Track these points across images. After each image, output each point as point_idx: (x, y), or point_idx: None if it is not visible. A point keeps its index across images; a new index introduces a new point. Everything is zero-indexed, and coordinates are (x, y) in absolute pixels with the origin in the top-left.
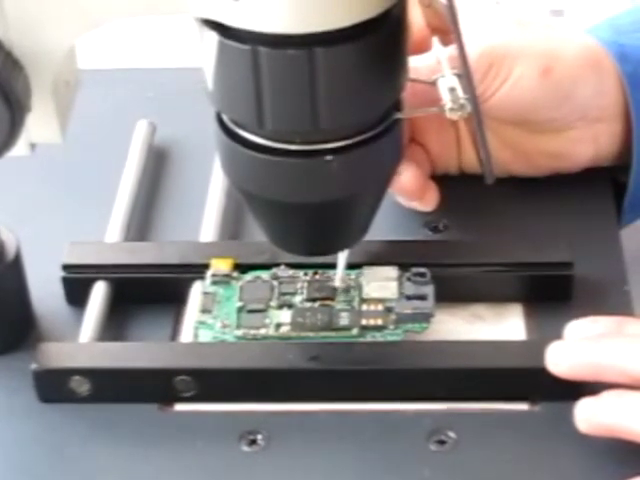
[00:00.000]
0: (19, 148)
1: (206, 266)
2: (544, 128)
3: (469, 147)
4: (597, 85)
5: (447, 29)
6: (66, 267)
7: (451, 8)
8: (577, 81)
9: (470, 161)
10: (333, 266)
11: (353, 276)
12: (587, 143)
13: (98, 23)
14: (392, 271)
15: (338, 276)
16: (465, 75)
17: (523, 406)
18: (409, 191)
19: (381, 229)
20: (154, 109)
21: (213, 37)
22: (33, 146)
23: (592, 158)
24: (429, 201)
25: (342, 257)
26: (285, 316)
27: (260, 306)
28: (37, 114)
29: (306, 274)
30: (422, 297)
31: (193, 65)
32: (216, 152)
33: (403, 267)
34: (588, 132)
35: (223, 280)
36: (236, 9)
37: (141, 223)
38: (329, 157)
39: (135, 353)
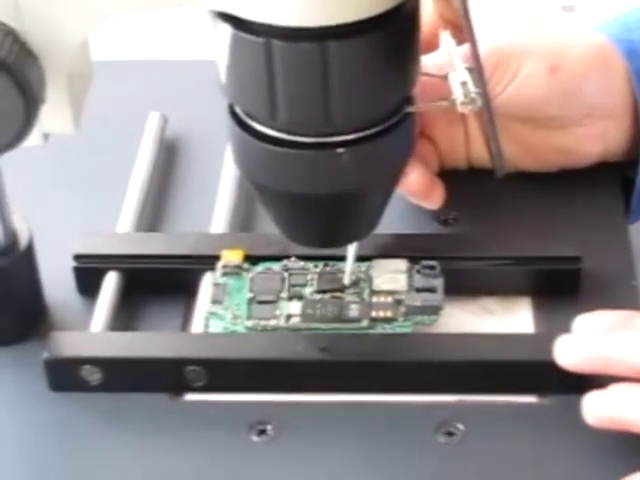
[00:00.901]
0: (33, 138)
1: (217, 257)
2: (552, 125)
3: (478, 142)
4: (605, 82)
5: (459, 23)
6: (78, 257)
7: (464, 2)
8: (585, 78)
9: (479, 156)
10: (343, 258)
11: (363, 268)
12: (595, 139)
13: (112, 15)
14: (402, 264)
15: (347, 271)
16: (476, 69)
17: (531, 399)
18: (415, 191)
19: (391, 222)
20: (166, 101)
21: (227, 30)
22: (46, 136)
23: (600, 154)
24: (435, 200)
25: (351, 252)
26: (295, 307)
27: (270, 297)
28: (51, 105)
29: (316, 266)
30: (431, 290)
31: (205, 58)
32: (227, 144)
33: (413, 260)
34: (596, 129)
35: (234, 271)
36: (250, 2)
37: (152, 214)
38: (341, 150)
39: (146, 343)
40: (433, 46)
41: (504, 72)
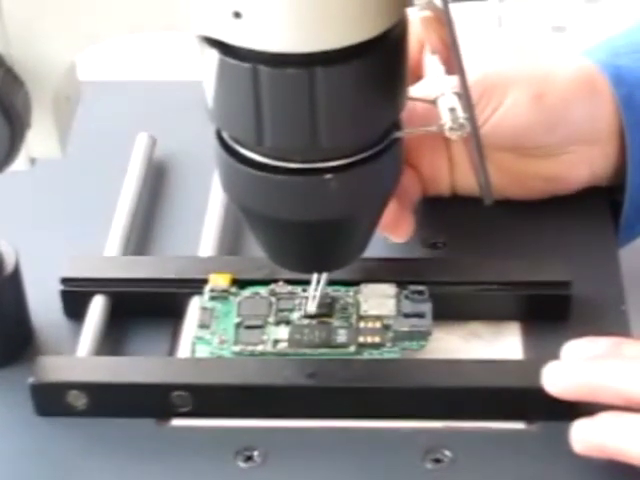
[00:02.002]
0: (19, 163)
1: (204, 281)
2: (539, 153)
3: (462, 170)
4: (591, 108)
5: (445, 51)
6: (65, 280)
7: (450, 27)
8: (570, 105)
9: (463, 184)
10: (332, 282)
11: (351, 293)
12: (582, 166)
13: (98, 39)
14: (390, 288)
15: (310, 298)
16: (464, 94)
17: (520, 425)
18: (383, 224)
19: (379, 246)
20: (154, 122)
21: (214, 55)
22: (33, 161)
23: (587, 180)
24: (402, 233)
25: (322, 278)
26: (283, 332)
27: (258, 322)
28: (37, 129)
29: (304, 290)
30: (420, 315)
31: (193, 78)
32: (216, 167)
33: (401, 285)
34: (582, 155)
35: (221, 295)
36: (237, 27)
37: (140, 237)
38: (328, 175)
39: (132, 368)
40: (417, 74)
41: (488, 101)
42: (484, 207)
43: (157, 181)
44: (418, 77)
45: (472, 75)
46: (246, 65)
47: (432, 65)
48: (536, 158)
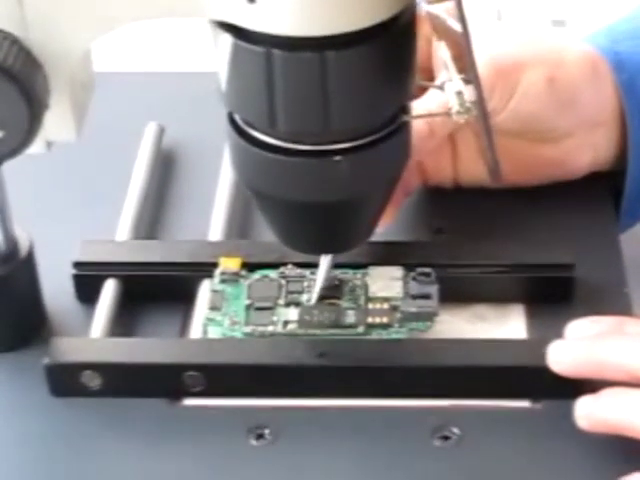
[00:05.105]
0: (36, 146)
1: (215, 265)
2: (545, 137)
3: (465, 161)
4: (596, 92)
5: (454, 37)
6: (77, 265)
7: (461, 11)
8: (579, 88)
9: (466, 175)
10: (340, 265)
11: (359, 275)
12: (586, 150)
13: (115, 25)
14: (397, 271)
15: (316, 288)
16: (473, 77)
17: (525, 403)
18: None
19: (387, 230)
20: (163, 112)
21: (227, 39)
22: (49, 144)
23: (590, 165)
24: (382, 221)
25: (323, 267)
26: (292, 314)
27: (268, 304)
28: (54, 112)
29: (313, 273)
30: (426, 296)
31: (201, 69)
32: (224, 153)
33: (408, 267)
34: (587, 139)
35: (231, 278)
36: (250, 12)
37: (151, 222)
38: (338, 157)
39: (145, 348)
40: (428, 65)
41: (504, 86)
42: (488, 192)
43: (166, 168)
44: (429, 69)
45: (483, 61)
46: (260, 49)
47: (440, 51)
48: (542, 143)
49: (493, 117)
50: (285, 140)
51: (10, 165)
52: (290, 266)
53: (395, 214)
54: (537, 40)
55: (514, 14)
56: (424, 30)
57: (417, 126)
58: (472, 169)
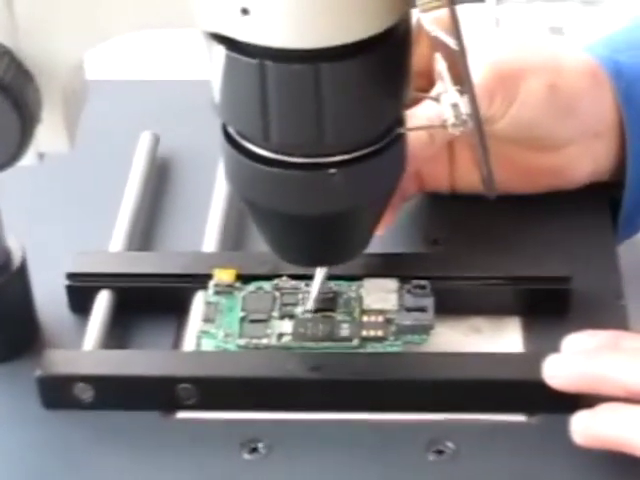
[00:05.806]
0: (27, 158)
1: (209, 276)
2: (545, 145)
3: (462, 169)
4: (596, 100)
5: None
6: (71, 276)
7: (456, 24)
8: (579, 96)
9: (462, 182)
10: (335, 277)
11: (354, 288)
12: (586, 159)
13: (108, 36)
14: (392, 283)
15: (312, 296)
16: (468, 90)
17: (520, 418)
18: None
19: (382, 242)
20: (158, 121)
21: (221, 51)
22: (41, 156)
23: (591, 174)
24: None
25: (318, 277)
26: (287, 326)
27: (262, 316)
28: (46, 124)
29: (307, 285)
30: (422, 309)
31: (196, 77)
32: (219, 163)
33: (403, 279)
34: (587, 148)
35: (226, 290)
36: (244, 24)
37: (145, 233)
38: (332, 170)
39: (138, 361)
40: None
41: (505, 92)
42: (485, 204)
43: (160, 178)
44: (430, 81)
45: (484, 66)
46: (253, 61)
47: (436, 61)
48: (541, 151)
49: (493, 124)
50: (279, 152)
51: (3, 175)
52: (285, 278)
53: (394, 218)
54: (538, 47)
55: (512, 21)
56: (425, 36)
57: (417, 132)
58: (469, 176)
